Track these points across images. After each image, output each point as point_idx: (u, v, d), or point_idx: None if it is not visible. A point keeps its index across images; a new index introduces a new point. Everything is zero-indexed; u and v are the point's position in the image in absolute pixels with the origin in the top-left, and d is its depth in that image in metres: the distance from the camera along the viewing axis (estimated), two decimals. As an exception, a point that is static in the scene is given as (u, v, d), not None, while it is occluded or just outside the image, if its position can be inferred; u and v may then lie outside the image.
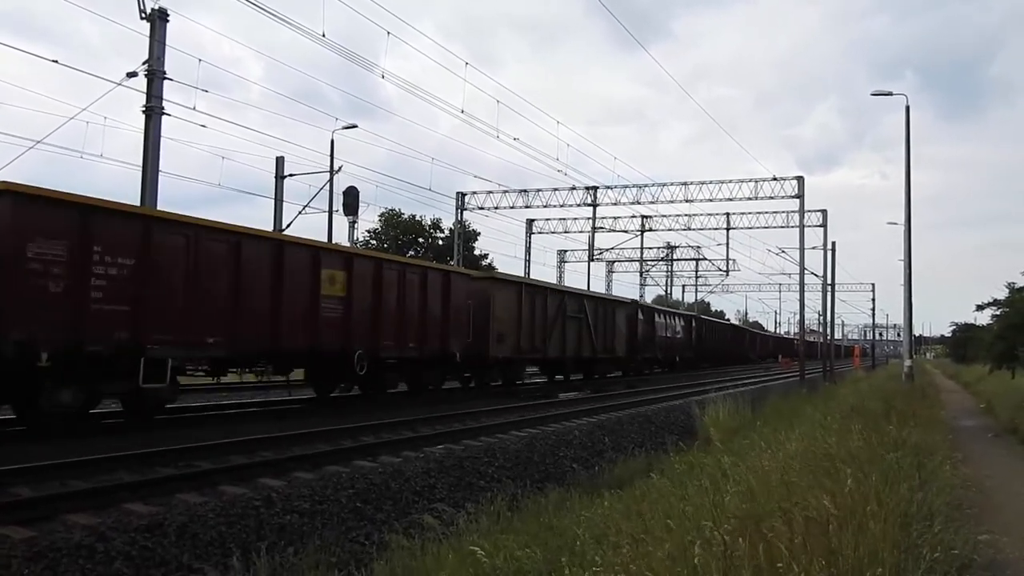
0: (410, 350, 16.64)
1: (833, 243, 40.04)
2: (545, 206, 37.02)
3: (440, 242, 53.57)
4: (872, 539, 4.00)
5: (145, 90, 16.80)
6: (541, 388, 23.33)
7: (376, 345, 15.44)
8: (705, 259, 52.14)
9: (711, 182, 33.94)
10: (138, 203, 16.21)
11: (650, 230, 42.01)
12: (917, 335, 63.67)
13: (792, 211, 34.99)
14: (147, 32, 16.79)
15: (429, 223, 54.27)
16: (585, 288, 37.28)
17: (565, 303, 24.31)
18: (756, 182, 33.28)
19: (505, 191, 36.65)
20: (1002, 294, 20.17)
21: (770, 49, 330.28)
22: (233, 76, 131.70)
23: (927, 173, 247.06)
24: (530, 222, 41.64)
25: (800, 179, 32.72)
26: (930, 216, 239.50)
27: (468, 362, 19.13)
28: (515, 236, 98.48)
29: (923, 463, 7.46)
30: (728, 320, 76.29)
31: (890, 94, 23.81)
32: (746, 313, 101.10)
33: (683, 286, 64.19)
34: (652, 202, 35.72)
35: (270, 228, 24.73)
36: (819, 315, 56.69)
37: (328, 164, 27.94)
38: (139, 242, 10.82)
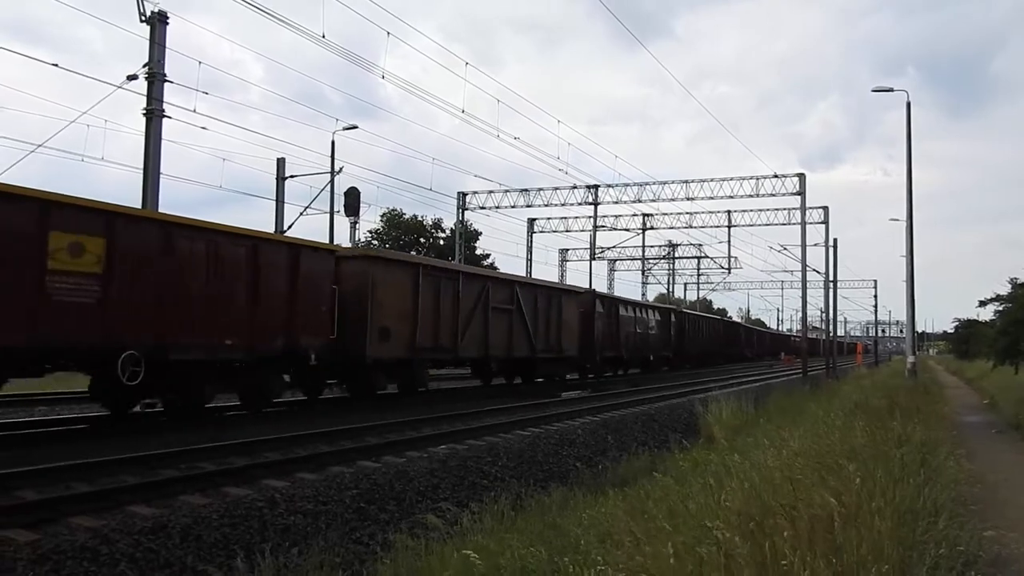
0: (228, 349, 12.43)
1: (835, 240, 40.14)
2: (546, 205, 37.12)
3: (442, 242, 53.70)
4: (877, 536, 3.99)
5: (145, 93, 16.82)
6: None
7: (164, 341, 11.29)
8: (707, 257, 52.20)
9: (712, 180, 34.03)
10: (140, 205, 16.09)
11: (652, 228, 42.15)
12: (920, 331, 63.68)
13: (794, 208, 35.05)
14: (147, 35, 16.82)
15: (431, 223, 54.46)
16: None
17: (488, 291, 19.79)
18: (757, 179, 33.35)
19: (506, 191, 36.80)
20: (1005, 290, 20.23)
21: (772, 47, 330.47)
22: (233, 78, 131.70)
23: (930, 170, 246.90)
24: (531, 221, 41.72)
25: (801, 176, 32.76)
26: (932, 212, 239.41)
27: (332, 365, 14.99)
28: (517, 236, 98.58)
29: (927, 459, 7.45)
30: (729, 317, 76.24)
31: (891, 90, 23.80)
32: (748, 310, 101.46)
33: (685, 284, 64.24)
34: (654, 200, 35.83)
35: (271, 229, 24.63)
36: (821, 312, 56.60)
37: (329, 165, 28.05)
38: None
